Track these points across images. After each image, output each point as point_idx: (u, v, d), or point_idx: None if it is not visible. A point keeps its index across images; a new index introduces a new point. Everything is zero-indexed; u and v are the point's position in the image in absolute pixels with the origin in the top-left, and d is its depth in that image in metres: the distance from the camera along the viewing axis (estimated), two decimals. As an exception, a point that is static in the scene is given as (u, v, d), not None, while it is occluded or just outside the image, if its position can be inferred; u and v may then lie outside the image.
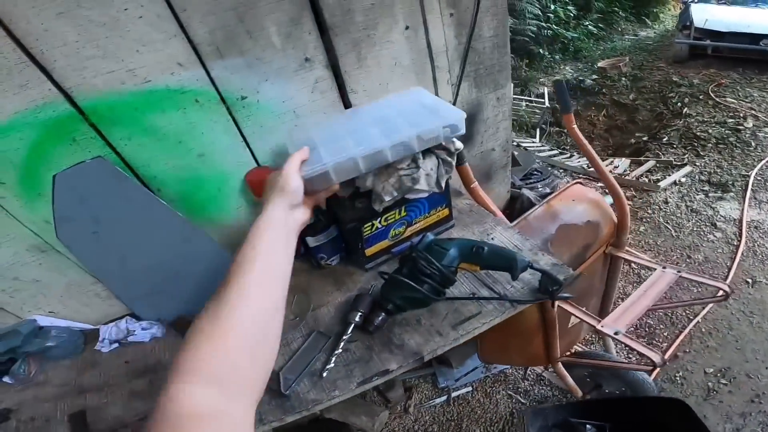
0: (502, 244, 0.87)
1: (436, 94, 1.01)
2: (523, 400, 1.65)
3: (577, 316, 0.92)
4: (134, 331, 0.96)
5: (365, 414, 1.54)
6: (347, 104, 0.91)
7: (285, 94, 0.84)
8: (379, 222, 0.82)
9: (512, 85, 5.77)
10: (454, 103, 1.05)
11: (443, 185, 0.80)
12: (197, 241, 0.86)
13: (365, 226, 0.81)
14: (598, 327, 0.89)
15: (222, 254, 0.90)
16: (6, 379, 0.92)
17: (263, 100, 0.82)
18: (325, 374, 0.73)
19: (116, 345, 0.96)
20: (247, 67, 0.77)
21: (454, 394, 1.70)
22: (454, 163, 0.80)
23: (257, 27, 0.74)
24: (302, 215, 0.60)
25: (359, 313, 0.78)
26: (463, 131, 0.75)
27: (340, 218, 0.81)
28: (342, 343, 0.76)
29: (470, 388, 1.71)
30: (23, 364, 0.92)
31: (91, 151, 0.75)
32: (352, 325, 0.78)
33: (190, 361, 0.41)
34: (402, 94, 0.90)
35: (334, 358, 0.75)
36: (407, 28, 0.88)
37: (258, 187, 0.84)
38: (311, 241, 0.87)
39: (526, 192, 1.35)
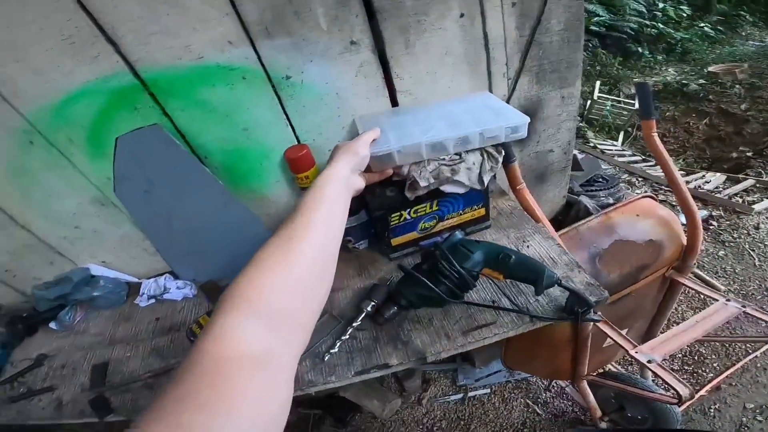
0: (537, 255, 0.85)
1: (490, 86, 0.99)
2: (539, 411, 1.61)
3: (611, 338, 0.87)
4: (170, 289, 1.08)
5: (378, 398, 1.60)
6: (392, 90, 0.92)
7: (328, 76, 0.87)
8: (408, 213, 0.84)
9: (596, 83, 5.40)
10: (509, 98, 1.02)
11: (485, 182, 0.79)
12: (235, 209, 0.94)
13: (393, 215, 0.83)
14: (632, 352, 0.84)
15: (257, 224, 0.98)
16: (52, 324, 1.08)
17: (307, 80, 0.86)
18: (326, 358, 0.77)
19: (152, 301, 1.09)
20: (293, 48, 0.82)
21: (470, 394, 1.70)
22: (500, 160, 0.79)
23: (305, 8, 0.77)
24: (360, 183, 0.67)
25: (372, 303, 0.81)
26: (524, 134, 0.78)
27: (369, 204, 0.83)
28: (350, 330, 0.80)
29: (488, 391, 1.71)
30: (70, 311, 1.07)
31: (149, 119, 0.84)
32: (364, 313, 0.81)
33: (243, 291, 0.39)
34: (470, 96, 0.95)
35: (339, 344, 0.78)
36: (462, 15, 0.86)
37: (295, 163, 0.89)
38: (338, 223, 0.91)
39: (584, 200, 1.28)
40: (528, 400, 1.65)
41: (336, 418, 1.65)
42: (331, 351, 0.77)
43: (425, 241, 0.91)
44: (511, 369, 1.60)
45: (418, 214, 0.85)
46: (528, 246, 0.88)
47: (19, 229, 0.98)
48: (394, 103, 0.93)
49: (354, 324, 0.80)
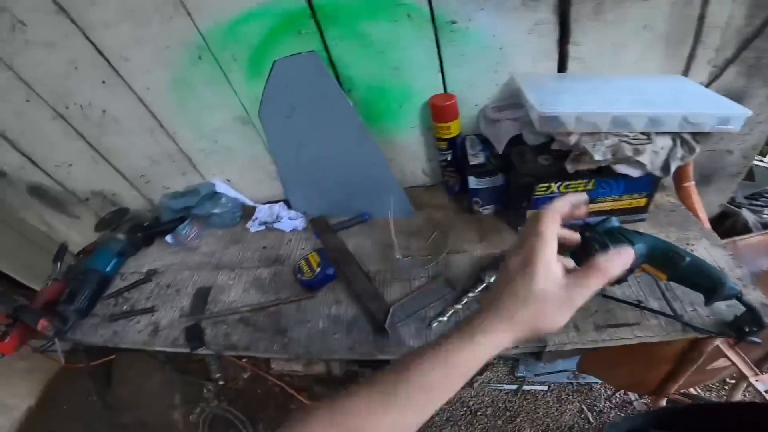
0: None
1: (686, 70, 0.88)
2: (591, 419, 1.55)
3: (731, 361, 0.79)
4: (282, 218, 1.15)
5: None
6: (563, 55, 0.86)
7: (497, 29, 0.83)
8: (558, 187, 0.79)
9: None
10: (707, 86, 0.90)
11: (671, 170, 0.73)
12: (367, 148, 0.96)
13: (540, 185, 0.79)
14: (752, 379, 0.76)
15: (384, 168, 0.99)
16: (168, 238, 1.19)
17: (473, 28, 0.83)
18: (434, 325, 0.78)
19: (263, 227, 1.17)
20: (467, -9, 0.78)
21: (525, 387, 1.68)
22: (696, 151, 0.72)
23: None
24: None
25: (496, 276, 0.79)
26: (736, 128, 0.70)
27: (517, 169, 0.80)
28: (465, 300, 0.79)
29: (545, 388, 1.67)
30: (188, 226, 1.17)
31: (308, 45, 0.88)
32: (484, 284, 0.79)
33: None
34: (659, 76, 0.87)
35: (450, 312, 0.78)
36: (681, -7, 0.76)
37: (441, 111, 0.89)
38: (473, 182, 0.89)
39: (745, 213, 1.13)
40: (584, 405, 1.59)
41: None
42: (440, 319, 0.78)
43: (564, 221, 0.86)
44: (584, 373, 1.54)
45: (570, 190, 0.80)
46: (693, 250, 0.80)
47: (165, 137, 1.09)
48: (561, 68, 0.87)
49: (471, 294, 0.79)
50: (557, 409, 1.61)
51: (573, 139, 0.71)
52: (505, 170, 0.87)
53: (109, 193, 1.28)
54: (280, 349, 0.84)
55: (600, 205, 0.83)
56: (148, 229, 1.21)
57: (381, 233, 1.02)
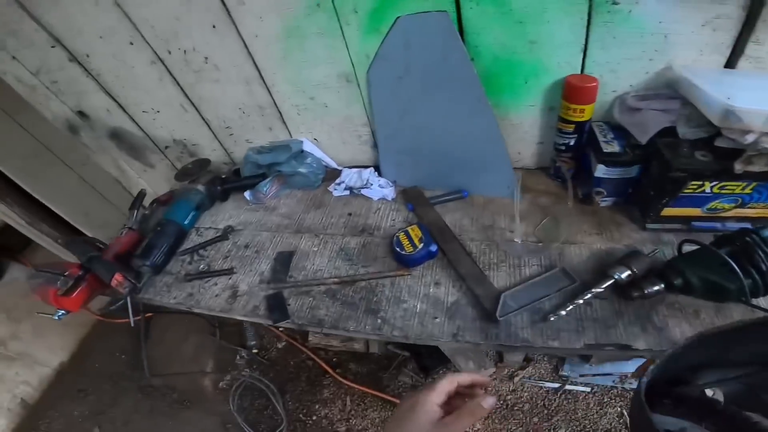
0: None
1: None
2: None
3: None
4: (372, 185, 1.13)
5: (475, 361, 1.62)
6: (737, 51, 0.79)
7: (667, 16, 0.77)
8: (712, 187, 0.74)
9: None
10: None
11: None
12: (483, 121, 0.94)
13: (693, 182, 0.74)
14: None
15: (499, 144, 0.96)
16: (246, 194, 1.18)
17: (637, 13, 0.78)
18: (551, 319, 0.76)
19: (347, 193, 1.16)
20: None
21: (568, 387, 1.66)
22: None
23: None
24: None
25: (629, 272, 0.76)
26: None
27: (670, 162, 0.75)
28: (588, 295, 0.76)
29: (588, 389, 1.65)
30: (269, 183, 1.17)
31: (439, 4, 0.84)
32: (612, 280, 0.76)
33: None
34: None
35: (570, 307, 0.76)
36: None
37: (579, 92, 0.85)
38: (601, 170, 0.85)
39: None
40: (625, 411, 1.58)
41: (421, 366, 1.72)
42: (559, 312, 0.76)
43: (700, 223, 0.82)
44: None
45: (723, 191, 0.75)
46: None
47: (261, 88, 1.09)
48: (729, 65, 0.81)
49: (594, 289, 0.76)
50: (597, 412, 1.60)
51: (750, 138, 0.66)
52: (644, 162, 0.82)
53: (190, 143, 1.30)
54: (373, 330, 0.83)
55: (748, 210, 0.78)
56: (227, 182, 1.22)
57: (481, 211, 1.01)
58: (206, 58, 1.04)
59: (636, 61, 0.83)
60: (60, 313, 0.94)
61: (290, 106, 1.12)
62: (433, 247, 0.88)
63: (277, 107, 1.13)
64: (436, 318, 0.82)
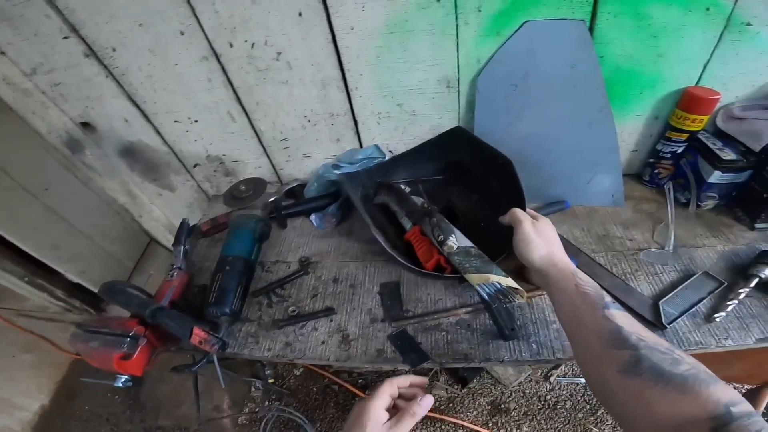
0: None
1: None
2: None
3: None
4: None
5: (513, 367, 1.63)
6: None
7: None
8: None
9: None
10: None
11: None
12: (602, 130, 0.93)
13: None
14: None
15: (613, 155, 0.95)
16: (313, 218, 1.04)
17: (765, 34, 0.82)
18: (717, 320, 0.77)
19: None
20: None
21: None
22: None
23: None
24: None
25: (771, 270, 0.80)
26: None
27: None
28: (742, 294, 0.79)
29: None
30: (339, 204, 1.04)
31: (574, 13, 0.82)
32: (757, 279, 0.80)
33: None
34: None
35: (731, 306, 0.78)
36: None
37: (701, 103, 0.88)
38: (716, 176, 0.89)
39: None
40: None
41: (459, 377, 1.70)
42: (721, 313, 0.77)
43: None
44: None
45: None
46: None
47: (339, 92, 0.97)
48: None
49: (744, 288, 0.79)
50: None
51: None
52: (757, 167, 0.88)
53: (230, 159, 1.10)
54: (532, 356, 0.76)
55: None
56: (287, 207, 1.04)
57: (589, 221, 0.98)
58: (279, 54, 0.89)
59: (748, 76, 0.89)
60: (123, 379, 0.73)
61: (370, 113, 1.00)
62: (573, 262, 0.84)
63: (353, 115, 1.00)
64: None
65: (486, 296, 0.70)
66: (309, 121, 1.02)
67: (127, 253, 1.72)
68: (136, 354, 0.72)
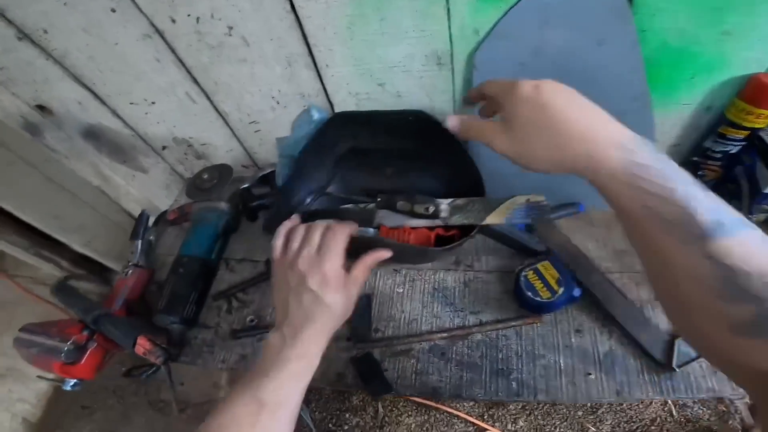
0: None
1: None
2: (674, 413, 1.57)
3: None
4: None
5: None
6: None
7: None
8: None
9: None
10: None
11: None
12: (635, 122, 0.72)
13: None
14: None
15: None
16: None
17: None
18: None
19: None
20: None
21: None
22: None
23: None
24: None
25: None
26: None
27: None
28: None
29: None
30: None
31: None
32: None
33: None
34: None
35: None
36: None
37: (762, 94, 0.66)
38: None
39: None
40: (669, 399, 1.59)
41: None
42: None
43: None
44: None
45: None
46: None
47: (308, 70, 0.81)
48: None
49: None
50: (642, 402, 1.60)
51: None
52: None
53: (198, 142, 1.00)
54: (509, 396, 0.67)
55: None
56: (256, 197, 0.93)
57: (606, 231, 0.82)
58: (230, 28, 0.73)
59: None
60: (72, 383, 0.73)
61: (347, 94, 0.84)
62: (576, 292, 0.70)
63: (327, 96, 0.84)
64: (589, 374, 0.67)
65: (522, 220, 0.66)
66: (278, 102, 0.87)
67: (133, 223, 1.72)
68: (83, 360, 0.71)
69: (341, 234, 0.55)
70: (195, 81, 0.84)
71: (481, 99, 0.53)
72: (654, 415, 1.57)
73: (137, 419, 1.82)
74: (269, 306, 0.82)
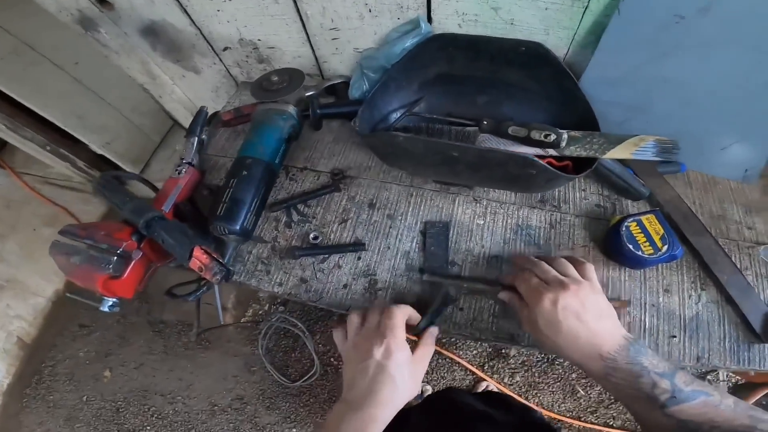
0: None
1: None
2: None
3: None
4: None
5: None
6: None
7: None
8: None
9: None
10: None
11: None
12: None
13: None
14: None
15: None
16: (356, 122, 0.82)
17: None
18: None
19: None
20: None
21: None
22: None
23: None
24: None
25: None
26: None
27: None
28: None
29: None
30: None
31: None
32: None
33: None
34: None
35: None
36: None
37: None
38: None
39: None
40: (751, 370, 1.67)
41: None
42: None
43: None
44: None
45: None
46: None
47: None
48: None
49: None
50: None
51: None
52: None
53: (265, 45, 0.91)
54: None
55: None
56: (327, 107, 0.85)
57: (704, 194, 0.79)
58: None
59: None
60: (110, 303, 0.65)
61: (453, 13, 0.75)
62: (679, 252, 0.67)
63: (429, 10, 0.76)
64: (674, 337, 0.65)
65: (652, 157, 0.65)
66: (370, 10, 0.78)
67: (156, 126, 1.64)
68: (125, 274, 0.62)
69: (399, 311, 0.55)
70: (285, -25, 0.75)
71: (510, 287, 0.61)
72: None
73: (136, 341, 1.81)
74: (334, 222, 0.77)
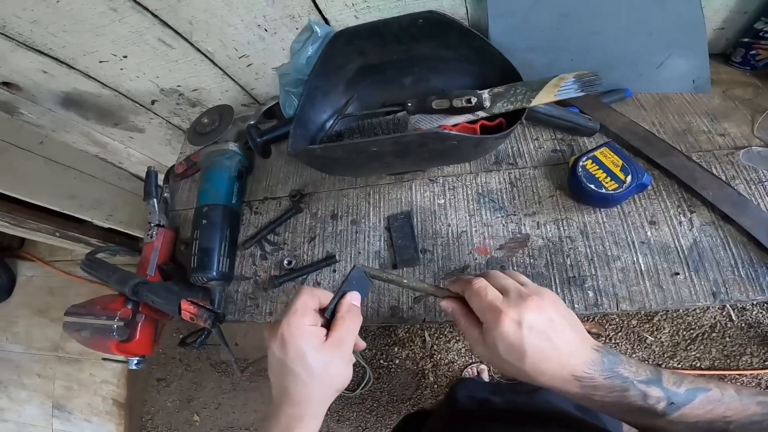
0: None
1: None
2: (734, 318, 1.53)
3: None
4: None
5: None
6: None
7: None
8: None
9: None
10: None
11: None
12: (678, 4, 0.61)
13: None
14: None
15: (697, 30, 0.70)
16: None
17: None
18: None
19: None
20: None
21: None
22: None
23: None
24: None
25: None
26: None
27: None
28: None
29: None
30: None
31: None
32: None
33: None
34: None
35: None
36: None
37: None
38: None
39: None
40: (728, 304, 1.57)
41: None
42: None
43: None
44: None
45: None
46: None
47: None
48: None
49: None
50: (700, 308, 1.57)
51: None
52: None
53: (188, 89, 0.91)
54: (587, 308, 0.63)
55: None
56: (266, 131, 0.84)
57: (661, 113, 0.74)
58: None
59: None
60: (135, 361, 0.73)
61: (343, 6, 0.73)
62: (647, 178, 0.64)
63: (320, 11, 0.73)
64: (677, 274, 0.60)
65: (575, 94, 0.61)
66: (266, 30, 0.76)
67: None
68: (137, 336, 0.69)
69: (303, 294, 0.47)
70: (165, 24, 0.73)
71: (457, 297, 0.49)
72: (713, 321, 1.53)
73: (207, 383, 1.97)
74: (304, 243, 0.78)
